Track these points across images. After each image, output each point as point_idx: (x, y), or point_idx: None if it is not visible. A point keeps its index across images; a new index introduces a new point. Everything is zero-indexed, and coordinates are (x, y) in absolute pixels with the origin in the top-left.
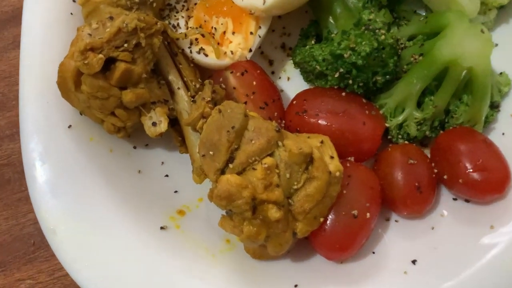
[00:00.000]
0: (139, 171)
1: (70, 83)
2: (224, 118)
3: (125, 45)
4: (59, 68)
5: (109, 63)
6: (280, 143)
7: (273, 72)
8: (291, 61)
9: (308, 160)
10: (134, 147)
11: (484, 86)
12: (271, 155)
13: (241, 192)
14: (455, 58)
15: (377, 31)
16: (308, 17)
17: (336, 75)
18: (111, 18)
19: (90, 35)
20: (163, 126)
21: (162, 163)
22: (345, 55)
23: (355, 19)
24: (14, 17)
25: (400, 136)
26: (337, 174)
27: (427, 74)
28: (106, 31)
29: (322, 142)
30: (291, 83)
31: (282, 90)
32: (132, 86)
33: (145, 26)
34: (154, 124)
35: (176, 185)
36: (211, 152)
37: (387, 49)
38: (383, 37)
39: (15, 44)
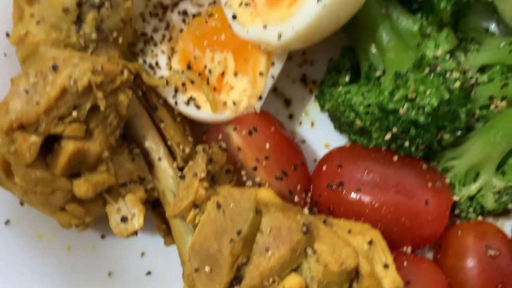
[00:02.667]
0: (110, 273)
1: None
2: (226, 216)
3: (74, 113)
4: None
5: (52, 141)
6: (309, 251)
7: (291, 116)
8: (316, 100)
9: (353, 275)
10: (102, 236)
11: None
12: (296, 270)
13: None
14: None
15: (447, 74)
16: (339, 41)
17: (387, 137)
18: (55, 67)
19: (26, 92)
20: (137, 221)
21: (142, 254)
22: (401, 111)
23: (412, 53)
24: None
25: (472, 210)
26: None
27: None
28: (47, 92)
29: (371, 242)
30: (317, 130)
31: (304, 141)
32: (87, 171)
33: (105, 80)
34: (124, 219)
35: (163, 285)
36: (207, 268)
37: (457, 93)
38: (457, 83)
39: None
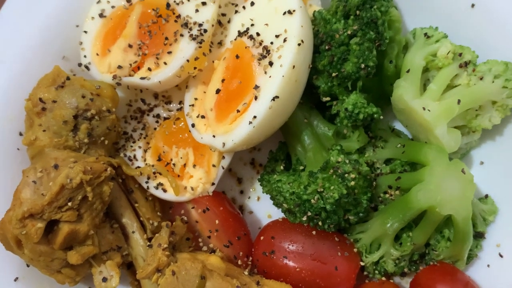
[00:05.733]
0: None
1: (12, 242)
2: (179, 281)
3: (69, 203)
4: (0, 225)
5: (52, 224)
6: None
7: (242, 192)
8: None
9: None
10: None
11: (464, 231)
12: None
13: None
14: (433, 205)
15: (346, 175)
16: (279, 134)
17: (304, 218)
18: (56, 166)
19: (34, 182)
20: (114, 281)
21: None
22: (313, 201)
23: (326, 153)
24: None
25: (377, 272)
26: None
27: (402, 218)
28: (49, 187)
29: None
30: (262, 204)
31: (251, 212)
32: (78, 244)
33: (93, 177)
34: (104, 279)
35: None
36: None
37: (360, 184)
38: (352, 183)
39: None
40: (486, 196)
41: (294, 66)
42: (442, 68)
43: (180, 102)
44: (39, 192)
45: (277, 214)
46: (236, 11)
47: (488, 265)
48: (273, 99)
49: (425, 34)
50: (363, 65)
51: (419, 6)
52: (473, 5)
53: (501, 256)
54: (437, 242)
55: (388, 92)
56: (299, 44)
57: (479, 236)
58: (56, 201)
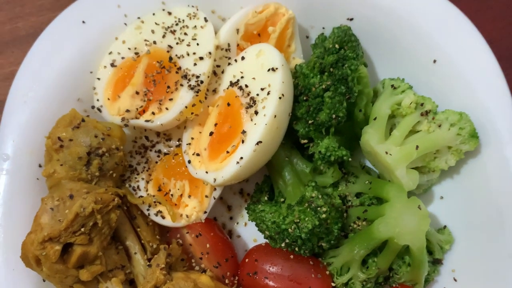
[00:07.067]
0: None
1: (32, 261)
2: None
3: (82, 229)
4: (22, 246)
5: (67, 246)
6: None
7: (231, 218)
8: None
9: None
10: None
11: (420, 259)
12: None
13: None
14: (392, 237)
15: (318, 209)
16: (265, 168)
17: (283, 244)
18: (71, 196)
19: (52, 209)
20: None
21: None
22: (290, 230)
23: (303, 187)
24: None
25: None
26: None
27: (367, 246)
28: (65, 214)
29: None
30: (248, 229)
31: (239, 236)
32: (88, 264)
33: (102, 206)
34: None
35: None
36: None
37: (332, 215)
38: (324, 215)
39: None
40: (444, 227)
41: (275, 116)
42: (405, 116)
43: (179, 140)
44: (56, 218)
45: (262, 238)
46: (229, 63)
47: None
48: (257, 143)
49: (392, 85)
50: (334, 115)
51: (388, 59)
52: (435, 61)
53: (455, 280)
54: (398, 267)
55: (359, 135)
56: (280, 98)
57: (436, 262)
58: (71, 227)
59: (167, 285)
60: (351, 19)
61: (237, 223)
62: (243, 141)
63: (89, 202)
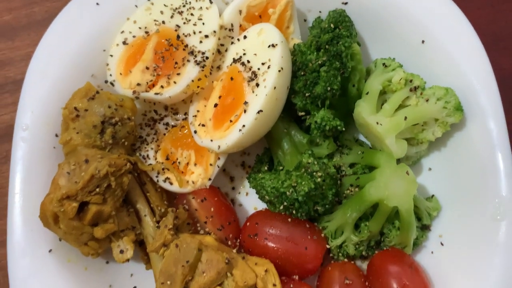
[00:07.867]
0: (110, 285)
1: (50, 219)
2: (180, 252)
3: (97, 189)
4: (40, 206)
5: (83, 205)
6: (229, 274)
7: (233, 188)
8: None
9: None
10: (107, 262)
11: (408, 221)
12: (221, 285)
13: None
14: (382, 199)
15: (314, 173)
16: (265, 142)
17: (281, 207)
18: (87, 161)
19: (68, 173)
20: (129, 253)
21: (131, 275)
22: (288, 193)
23: (300, 156)
24: (6, 134)
25: (340, 255)
26: None
27: (359, 209)
28: (82, 176)
29: (267, 270)
30: (249, 198)
31: (241, 205)
32: (102, 222)
33: (115, 170)
34: (121, 251)
35: None
36: (168, 282)
37: (327, 181)
38: (319, 179)
39: (7, 158)
40: (432, 196)
41: (275, 87)
42: (395, 92)
43: (185, 113)
44: (72, 181)
45: (261, 206)
46: (232, 42)
47: (432, 252)
48: (258, 112)
49: (383, 64)
50: (329, 88)
51: (380, 41)
52: (423, 41)
53: (442, 244)
54: (389, 231)
55: (352, 110)
56: (279, 70)
57: (425, 228)
58: (87, 187)
59: (174, 242)
60: (346, 3)
61: (239, 193)
62: (245, 111)
63: (103, 165)
